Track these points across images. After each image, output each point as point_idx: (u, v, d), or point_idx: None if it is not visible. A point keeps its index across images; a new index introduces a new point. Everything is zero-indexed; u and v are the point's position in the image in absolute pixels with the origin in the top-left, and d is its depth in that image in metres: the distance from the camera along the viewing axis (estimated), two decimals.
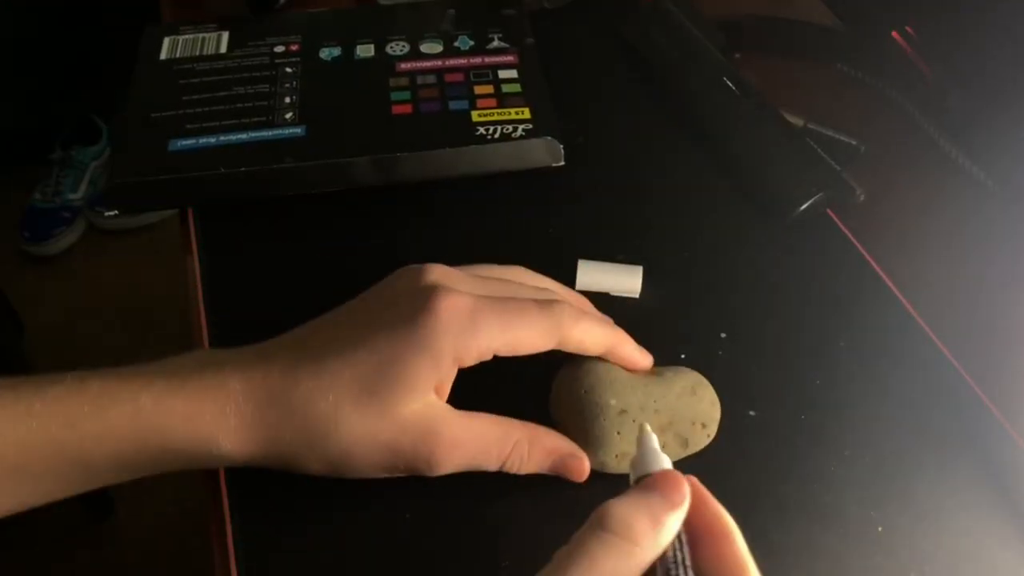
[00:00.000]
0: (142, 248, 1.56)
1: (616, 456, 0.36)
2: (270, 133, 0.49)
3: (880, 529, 0.36)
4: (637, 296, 0.45)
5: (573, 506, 0.36)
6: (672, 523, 0.26)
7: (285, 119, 0.50)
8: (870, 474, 0.38)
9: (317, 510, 0.36)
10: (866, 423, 0.40)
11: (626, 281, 0.45)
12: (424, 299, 0.34)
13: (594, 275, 0.45)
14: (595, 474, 0.36)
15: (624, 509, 0.26)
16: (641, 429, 0.31)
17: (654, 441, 0.30)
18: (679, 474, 0.27)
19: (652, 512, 0.26)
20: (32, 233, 1.53)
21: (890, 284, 0.46)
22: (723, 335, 0.43)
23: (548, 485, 0.37)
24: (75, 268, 1.54)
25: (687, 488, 0.27)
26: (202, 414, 0.33)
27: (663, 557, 0.26)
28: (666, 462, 0.29)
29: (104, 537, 1.19)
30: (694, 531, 0.27)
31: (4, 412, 0.32)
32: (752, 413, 0.40)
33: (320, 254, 0.47)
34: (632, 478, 0.30)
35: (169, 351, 0.36)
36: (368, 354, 0.33)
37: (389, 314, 0.34)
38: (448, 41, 0.56)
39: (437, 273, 0.36)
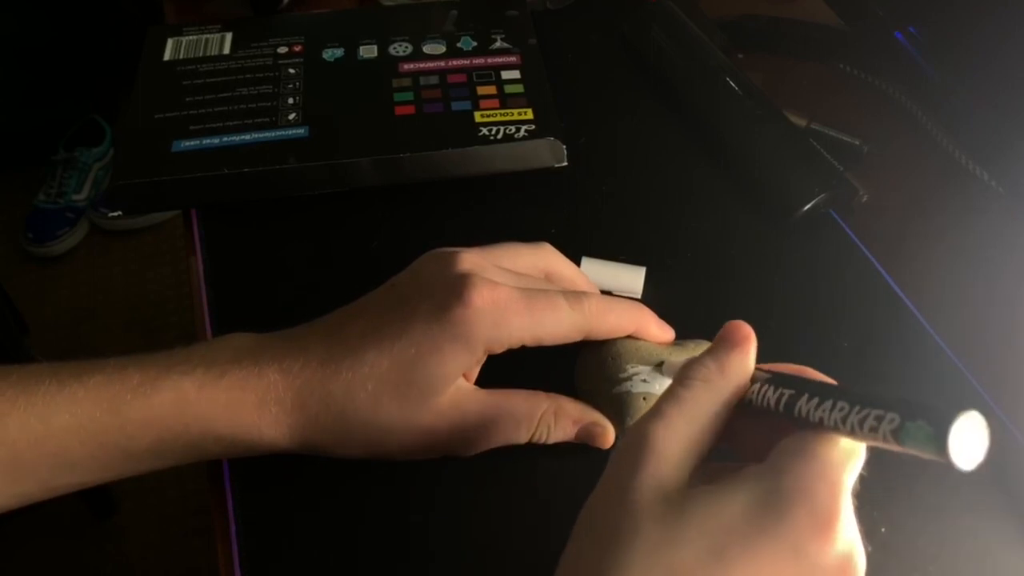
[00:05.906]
0: (145, 249, 1.56)
1: None
2: (273, 134, 0.50)
3: (884, 529, 0.36)
4: (639, 296, 0.45)
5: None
6: (737, 360, 0.29)
7: (288, 120, 0.50)
8: (874, 474, 0.38)
9: (321, 508, 0.37)
10: None
11: (628, 281, 0.45)
12: (459, 289, 0.34)
13: (597, 274, 0.45)
14: None
15: (697, 359, 0.29)
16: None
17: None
18: (739, 322, 0.30)
19: (718, 356, 0.29)
20: (36, 234, 1.53)
21: (893, 285, 0.46)
22: None
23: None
24: (79, 269, 1.55)
25: (747, 330, 0.29)
26: (243, 403, 0.34)
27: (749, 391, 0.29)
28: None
29: (107, 534, 1.20)
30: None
31: (49, 399, 0.33)
32: None
33: (323, 255, 0.47)
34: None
35: None
36: (407, 345, 0.34)
37: (424, 304, 0.35)
38: (451, 42, 0.56)
39: (469, 262, 0.36)
